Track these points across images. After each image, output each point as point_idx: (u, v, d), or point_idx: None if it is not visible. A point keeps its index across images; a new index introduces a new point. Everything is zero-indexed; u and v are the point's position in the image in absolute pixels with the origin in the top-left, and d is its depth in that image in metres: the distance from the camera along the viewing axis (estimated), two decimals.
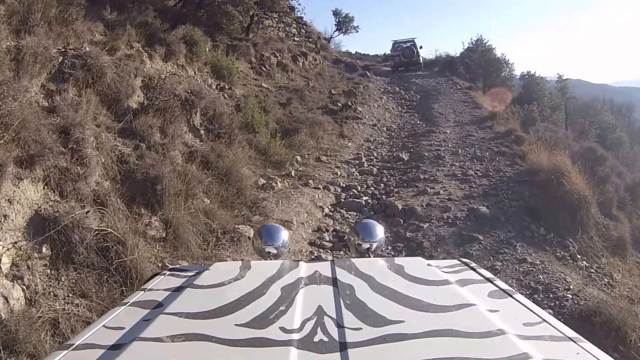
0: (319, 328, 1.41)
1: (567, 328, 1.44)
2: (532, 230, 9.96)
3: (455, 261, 2.19)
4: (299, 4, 26.37)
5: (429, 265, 2.01)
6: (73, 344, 1.41)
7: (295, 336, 1.36)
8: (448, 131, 16.59)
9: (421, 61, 29.47)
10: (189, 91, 11.32)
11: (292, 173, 11.97)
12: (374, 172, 12.93)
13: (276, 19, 25.40)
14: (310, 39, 27.39)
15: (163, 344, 1.35)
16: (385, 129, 17.83)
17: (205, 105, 11.54)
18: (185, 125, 10.86)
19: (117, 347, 1.37)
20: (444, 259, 3.37)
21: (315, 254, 8.43)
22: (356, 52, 41.67)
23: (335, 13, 33.36)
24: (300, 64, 23.89)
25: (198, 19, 17.60)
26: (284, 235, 2.60)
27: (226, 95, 15.28)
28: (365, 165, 13.48)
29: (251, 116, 13.68)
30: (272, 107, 16.37)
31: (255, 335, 1.38)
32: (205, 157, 10.02)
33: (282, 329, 1.41)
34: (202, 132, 11.22)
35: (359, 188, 11.66)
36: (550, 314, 1.87)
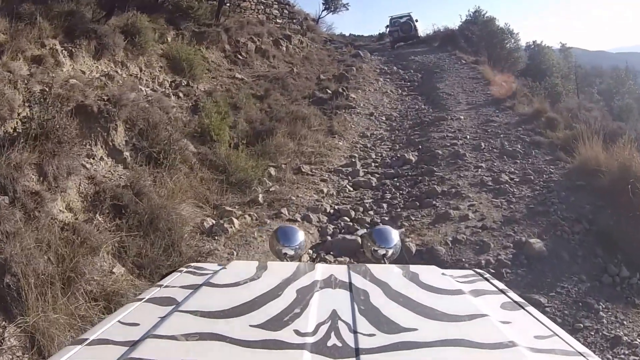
0: (332, 332, 1.34)
1: (578, 343, 1.35)
2: (612, 273, 6.40)
3: (470, 271, 2.08)
4: None
5: (443, 274, 1.93)
6: (87, 339, 1.34)
7: (309, 340, 1.30)
8: (462, 117, 12.81)
9: (419, 35, 27.56)
10: (106, 98, 7.72)
11: (260, 198, 8.33)
12: (373, 185, 9.20)
13: (255, 1, 21.60)
14: (294, 20, 23.53)
15: (177, 342, 1.29)
16: (384, 118, 14.06)
17: (131, 115, 7.98)
18: (102, 146, 7.35)
19: (131, 343, 1.30)
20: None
21: None
22: (350, 34, 37.83)
23: None
24: (284, 48, 20.12)
25: (156, 4, 13.91)
26: (301, 236, 2.54)
27: (181, 95, 11.66)
28: (361, 174, 9.76)
29: (209, 120, 10.04)
30: (245, 102, 12.80)
31: (270, 337, 1.31)
32: (119, 197, 6.43)
33: (297, 332, 1.34)
34: (126, 154, 7.64)
35: (352, 214, 8.03)
36: None
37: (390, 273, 1.96)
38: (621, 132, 10.23)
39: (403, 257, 2.73)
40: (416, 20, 28.00)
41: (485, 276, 1.99)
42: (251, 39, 18.35)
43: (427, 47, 25.82)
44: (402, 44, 27.46)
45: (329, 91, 15.88)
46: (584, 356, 1.28)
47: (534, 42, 28.52)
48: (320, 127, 12.32)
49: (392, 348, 1.26)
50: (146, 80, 11.41)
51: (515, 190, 8.30)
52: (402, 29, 27.05)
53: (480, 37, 25.98)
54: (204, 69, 14.28)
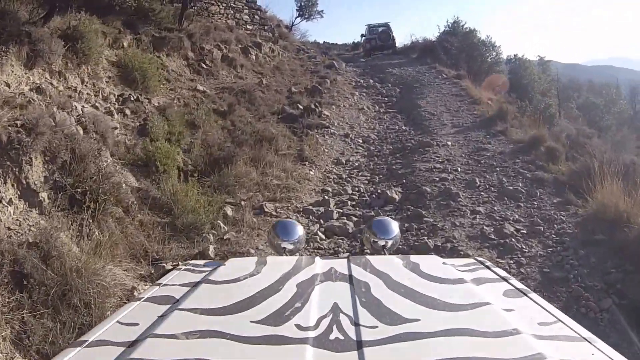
0: (334, 326, 1.33)
1: (582, 328, 1.35)
2: None
3: (471, 260, 2.06)
4: None
5: (444, 263, 1.91)
6: (86, 341, 1.33)
7: (311, 334, 1.29)
8: (449, 142, 11.18)
9: (396, 45, 27.15)
10: (19, 123, 5.99)
11: (211, 250, 6.60)
12: (350, 232, 7.43)
13: (224, 5, 19.82)
14: (266, 27, 21.76)
15: (178, 341, 1.28)
16: (361, 140, 12.34)
17: (52, 144, 6.24)
18: (13, 186, 5.66)
19: (131, 343, 1.29)
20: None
21: None
22: (324, 42, 36.20)
23: None
24: (253, 57, 18.36)
25: (111, 6, 12.07)
26: (300, 230, 2.50)
27: (127, 111, 9.88)
28: (335, 216, 7.97)
29: (154, 147, 8.32)
30: (205, 119, 11.04)
31: (271, 332, 1.30)
32: (22, 261, 4.69)
33: (298, 327, 1.33)
34: (43, 195, 5.90)
35: None
36: None
37: (391, 264, 1.92)
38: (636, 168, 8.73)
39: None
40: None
41: (486, 264, 1.97)
42: (217, 46, 16.59)
43: (405, 58, 24.30)
44: (379, 53, 26.42)
45: (301, 106, 14.17)
46: (589, 341, 1.27)
47: (515, 55, 27.18)
48: (289, 152, 10.60)
49: (395, 339, 1.23)
50: (87, 94, 9.55)
51: (523, 246, 6.66)
52: (380, 37, 26.38)
53: (460, 49, 24.53)
54: (161, 79, 12.51)
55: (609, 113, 25.58)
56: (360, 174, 10.04)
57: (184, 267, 2.01)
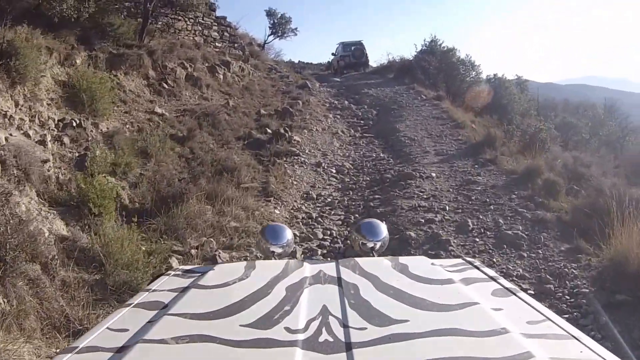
0: (324, 328, 1.33)
1: (571, 326, 1.35)
2: None
3: (459, 260, 2.03)
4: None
5: (432, 264, 1.90)
6: (77, 347, 1.31)
7: (300, 336, 1.28)
8: (434, 173, 9.84)
9: (369, 63, 27.05)
10: None
11: None
12: None
13: (191, 21, 18.45)
14: (236, 45, 20.39)
15: (167, 346, 1.26)
16: (334, 170, 10.96)
17: None
18: None
19: (121, 349, 1.28)
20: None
21: None
22: (299, 61, 35.03)
23: (269, 13, 26.50)
24: (221, 76, 16.99)
25: (62, 18, 10.63)
26: (289, 234, 2.50)
27: (66, 140, 8.47)
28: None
29: (87, 184, 6.90)
30: (159, 147, 9.64)
31: (260, 335, 1.30)
32: None
33: (287, 329, 1.32)
34: None
35: None
36: None
37: (380, 266, 1.90)
38: None
39: None
40: None
41: (475, 264, 1.95)
42: (182, 64, 15.21)
43: (381, 78, 23.10)
44: (353, 72, 25.79)
45: (269, 130, 12.83)
46: (578, 339, 1.27)
47: (494, 75, 26.10)
48: (252, 185, 9.19)
49: (384, 341, 1.24)
50: (20, 119, 8.08)
51: None
52: (354, 54, 26.00)
53: (439, 68, 23.40)
54: (116, 100, 11.15)
55: (595, 136, 24.51)
56: (333, 212, 8.62)
57: (173, 273, 1.97)
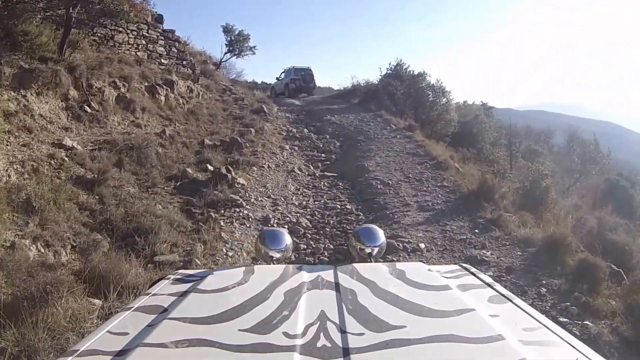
0: (321, 333, 1.31)
1: (567, 333, 1.33)
2: None
3: (456, 266, 2.00)
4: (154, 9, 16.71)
5: (429, 270, 1.88)
6: (77, 350, 1.29)
7: (299, 342, 1.26)
8: (422, 243, 7.33)
9: (316, 86, 27.20)
10: None
11: None
12: None
13: (134, 33, 15.80)
14: (185, 62, 17.75)
15: (167, 350, 1.25)
16: (286, 229, 8.29)
17: None
18: None
19: (122, 353, 1.26)
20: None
21: None
22: (262, 82, 32.66)
23: (226, 30, 23.88)
24: (162, 97, 14.34)
25: None
26: (287, 239, 2.38)
27: None
28: None
29: None
30: (52, 197, 7.02)
31: (259, 340, 1.28)
32: None
33: (286, 334, 1.31)
34: None
35: None
36: None
37: (377, 271, 1.88)
38: None
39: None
40: None
41: (471, 270, 1.92)
42: (113, 83, 12.56)
43: (345, 103, 20.71)
44: (305, 94, 25.42)
45: (211, 167, 10.27)
46: (573, 346, 1.26)
47: (464, 102, 24.05)
48: (170, 258, 6.58)
49: (382, 346, 1.22)
50: None
51: None
52: (304, 79, 25.78)
53: (407, 94, 21.16)
54: (15, 129, 8.56)
55: (585, 173, 22.70)
56: None
57: (172, 277, 1.93)
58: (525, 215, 8.12)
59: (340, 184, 10.58)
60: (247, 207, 8.70)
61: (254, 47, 24.53)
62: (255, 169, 10.94)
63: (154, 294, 1.71)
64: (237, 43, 23.78)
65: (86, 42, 13.32)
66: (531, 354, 1.17)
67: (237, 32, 23.77)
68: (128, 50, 15.50)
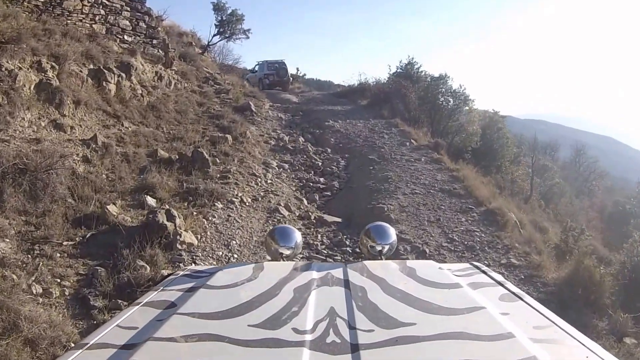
0: (331, 329, 1.26)
1: (577, 331, 1.25)
2: None
3: (467, 264, 1.93)
4: None
5: (440, 268, 1.80)
6: (87, 343, 1.25)
7: (308, 337, 1.22)
8: None
9: (290, 81, 25.13)
10: None
11: None
12: None
13: (89, 1, 11.76)
14: (155, 41, 13.63)
15: (176, 344, 1.21)
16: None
17: None
18: None
19: (131, 346, 1.21)
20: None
21: None
22: None
23: (217, 7, 19.70)
24: (112, 86, 10.28)
25: None
26: (298, 236, 2.28)
27: None
28: None
29: None
30: None
31: (268, 336, 1.23)
32: None
33: (295, 330, 1.25)
34: None
35: None
36: None
37: (387, 269, 1.84)
38: None
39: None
40: None
41: (482, 269, 1.87)
42: (37, 64, 8.57)
43: (350, 104, 16.68)
44: (280, 88, 22.85)
45: (150, 202, 6.36)
46: (583, 344, 1.21)
47: (484, 111, 20.07)
48: None
49: (391, 343, 1.18)
50: None
51: None
52: (278, 73, 23.93)
53: (423, 99, 17.25)
54: None
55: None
56: None
57: (182, 273, 1.88)
58: None
59: (348, 241, 6.67)
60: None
61: (249, 30, 20.43)
62: (219, 206, 7.03)
63: (163, 290, 1.66)
64: (228, 24, 19.63)
65: (21, 6, 9.42)
66: (541, 352, 1.12)
67: (229, 11, 19.62)
68: (80, 21, 11.48)
